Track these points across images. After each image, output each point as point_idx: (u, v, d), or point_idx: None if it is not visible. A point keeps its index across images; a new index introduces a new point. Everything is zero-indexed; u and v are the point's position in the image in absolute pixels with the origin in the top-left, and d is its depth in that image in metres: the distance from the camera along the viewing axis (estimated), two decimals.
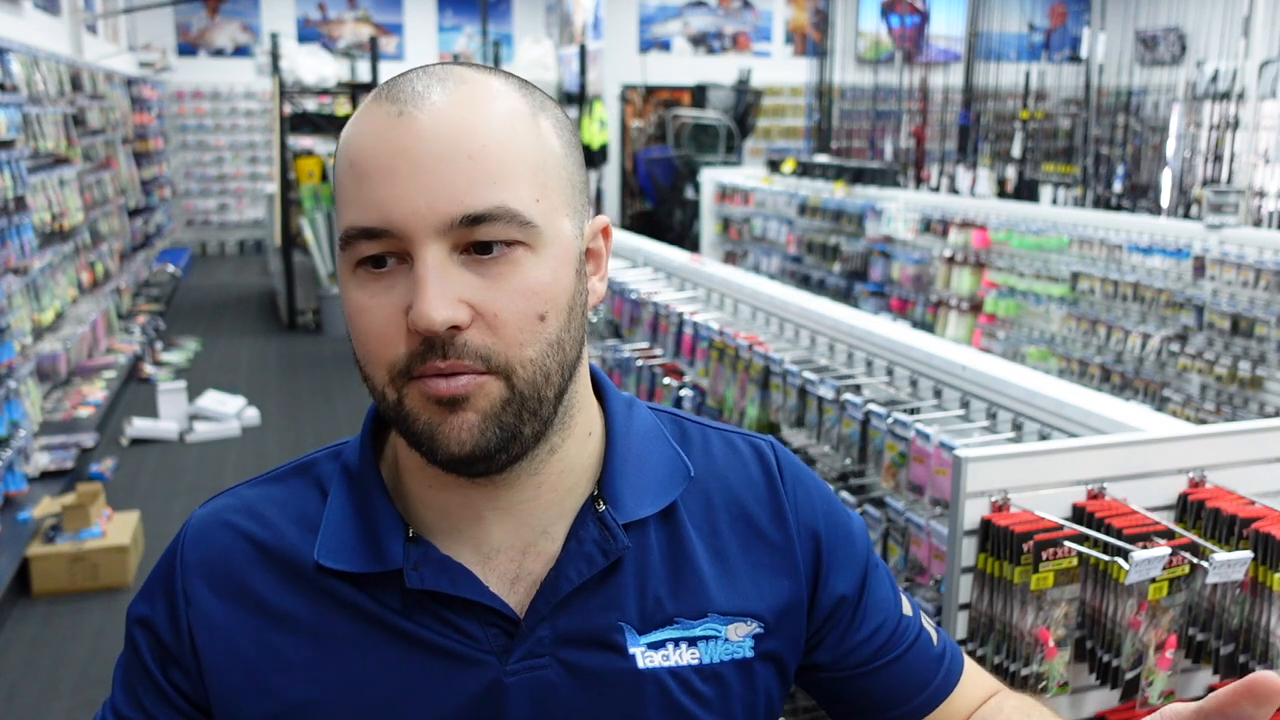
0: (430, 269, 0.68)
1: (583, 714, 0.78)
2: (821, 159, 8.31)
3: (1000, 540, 1.41)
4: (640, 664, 0.79)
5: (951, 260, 5.93)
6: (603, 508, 0.79)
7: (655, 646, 0.79)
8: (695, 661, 0.80)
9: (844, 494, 2.20)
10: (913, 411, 2.14)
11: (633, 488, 0.81)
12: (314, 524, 0.80)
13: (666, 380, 3.15)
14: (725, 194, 8.28)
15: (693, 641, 0.80)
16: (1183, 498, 1.53)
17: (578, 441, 0.80)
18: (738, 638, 0.82)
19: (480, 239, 0.69)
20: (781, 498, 0.87)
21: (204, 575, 0.80)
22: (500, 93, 0.73)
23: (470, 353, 0.69)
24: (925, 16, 13.13)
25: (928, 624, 0.94)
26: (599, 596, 0.79)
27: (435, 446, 0.71)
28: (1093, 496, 1.48)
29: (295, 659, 0.78)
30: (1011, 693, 0.95)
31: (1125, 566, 1.35)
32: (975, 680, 0.94)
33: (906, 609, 0.93)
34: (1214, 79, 7.33)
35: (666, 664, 0.79)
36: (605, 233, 0.80)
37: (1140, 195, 7.82)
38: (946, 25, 13.47)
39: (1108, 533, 1.42)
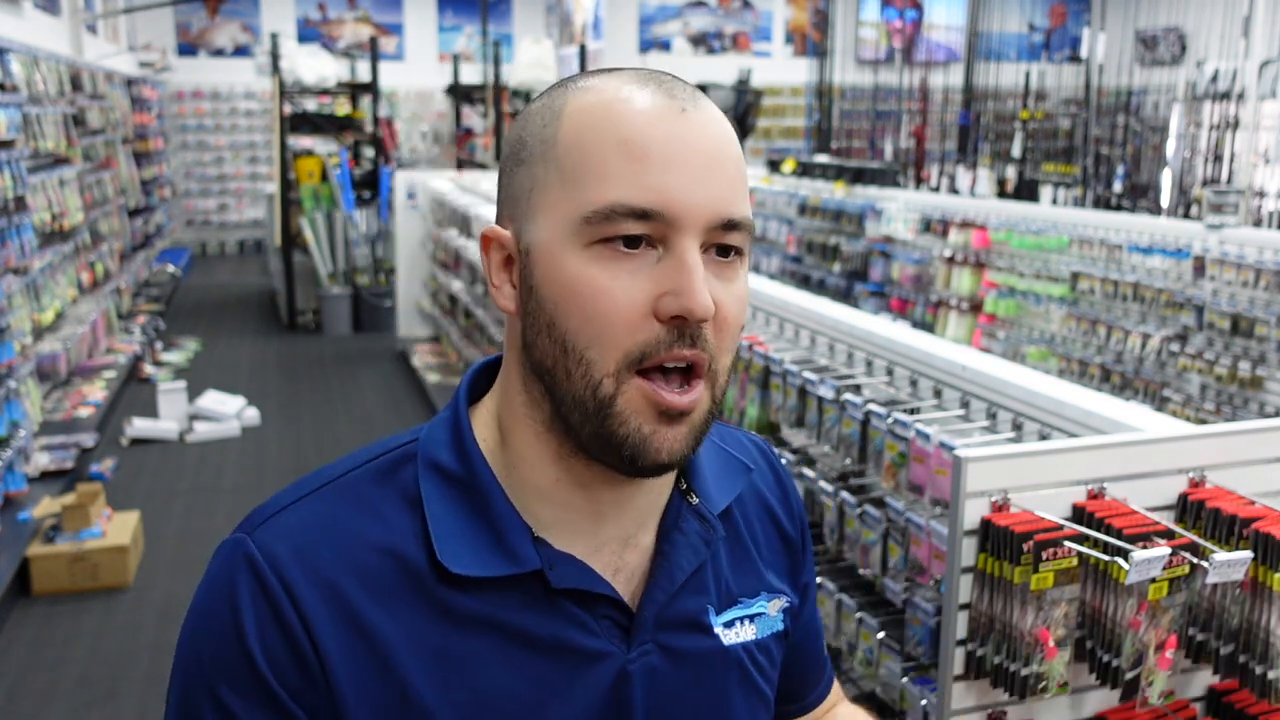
0: (698, 260, 0.71)
1: (683, 692, 0.82)
2: (821, 159, 8.31)
3: (1000, 540, 1.40)
4: (725, 641, 0.84)
5: (951, 260, 5.93)
6: (696, 501, 0.84)
7: (729, 625, 0.85)
8: (754, 636, 0.87)
9: (844, 494, 2.20)
10: (913, 411, 2.13)
11: (714, 481, 0.86)
12: (411, 536, 0.75)
13: None
14: None
15: (751, 618, 0.87)
16: (1183, 498, 1.53)
17: None
18: (775, 612, 0.89)
19: (729, 243, 0.74)
20: (789, 492, 0.96)
21: (316, 604, 0.72)
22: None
23: (708, 347, 0.72)
24: (922, 11, 13.13)
25: None
26: (694, 583, 0.83)
27: (642, 453, 0.72)
28: (1093, 496, 1.48)
29: (422, 685, 0.73)
30: (848, 703, 1.09)
31: (1125, 566, 1.35)
32: (835, 688, 1.09)
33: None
34: (1214, 79, 7.32)
35: (738, 640, 0.85)
36: None
37: (1140, 195, 7.82)
38: (946, 17, 13.47)
39: (1108, 533, 1.42)
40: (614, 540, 0.80)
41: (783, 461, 1.01)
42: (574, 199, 0.71)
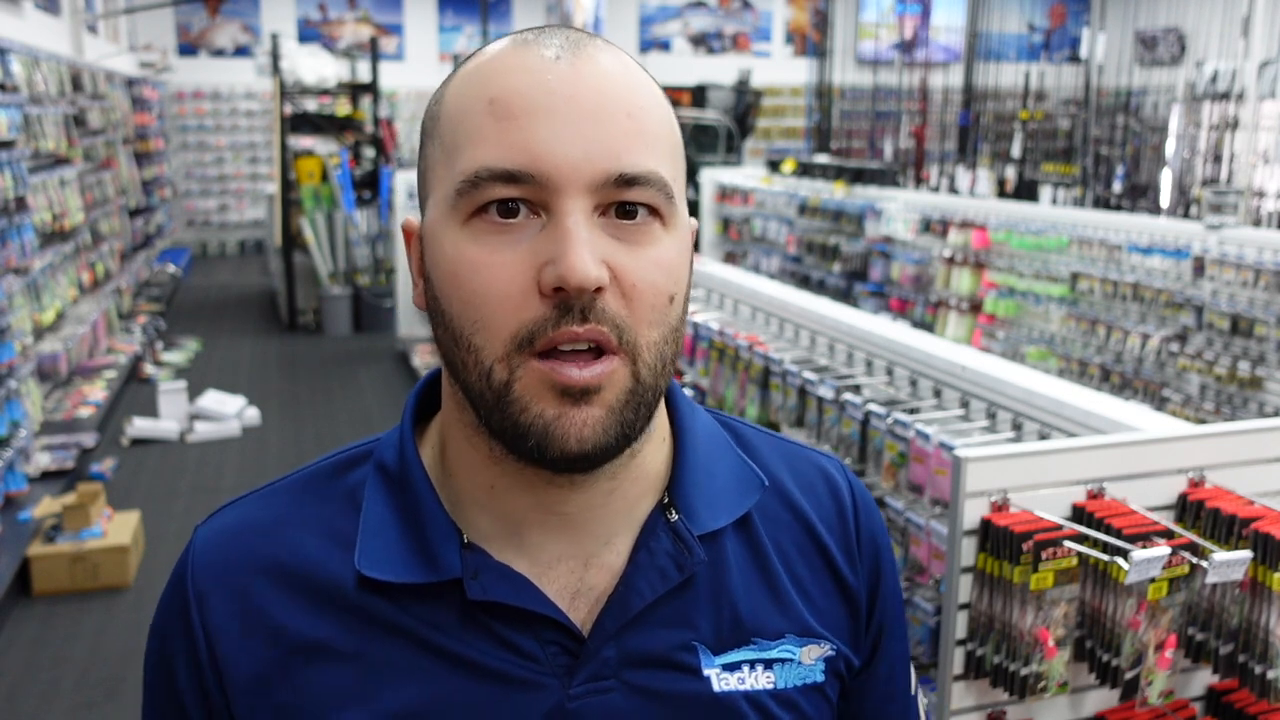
0: (579, 223, 0.62)
1: None
2: (821, 159, 8.32)
3: (1000, 540, 1.41)
4: (716, 687, 0.72)
5: (951, 260, 5.93)
6: (675, 517, 0.72)
7: (731, 668, 0.73)
8: (771, 686, 0.74)
9: None
10: (913, 411, 2.14)
11: (706, 497, 0.74)
12: (344, 538, 0.71)
13: None
14: (725, 194, 8.28)
15: (769, 664, 0.74)
16: (1182, 498, 1.53)
17: (654, 446, 0.74)
18: (810, 660, 0.76)
19: (629, 201, 0.64)
20: (852, 532, 0.81)
21: (223, 610, 0.71)
22: (642, 68, 0.69)
23: (608, 319, 0.63)
24: (928, 7, 13.15)
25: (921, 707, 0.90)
26: (670, 613, 0.72)
27: (548, 443, 0.64)
28: (1092, 496, 1.48)
29: (334, 694, 0.69)
30: None
31: (1125, 566, 1.35)
32: None
33: (912, 687, 0.88)
34: (1214, 79, 7.33)
35: (742, 687, 0.73)
36: (693, 235, 0.74)
37: (1140, 195, 7.83)
38: (946, 17, 13.48)
39: (1107, 533, 1.42)
40: (571, 557, 0.71)
41: (872, 505, 0.84)
42: (451, 172, 0.65)
